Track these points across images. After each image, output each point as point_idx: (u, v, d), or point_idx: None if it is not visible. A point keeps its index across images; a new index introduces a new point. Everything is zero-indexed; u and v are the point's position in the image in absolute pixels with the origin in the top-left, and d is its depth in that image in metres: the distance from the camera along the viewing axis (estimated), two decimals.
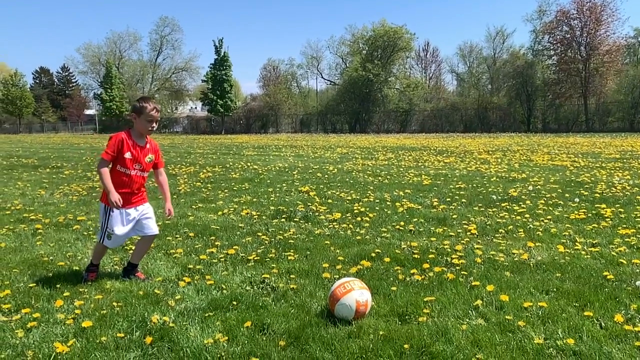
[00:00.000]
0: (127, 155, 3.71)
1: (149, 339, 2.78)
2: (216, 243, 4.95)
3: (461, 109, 50.49)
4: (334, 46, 64.31)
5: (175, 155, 17.58)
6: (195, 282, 3.81)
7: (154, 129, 3.79)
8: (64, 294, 3.51)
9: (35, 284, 3.74)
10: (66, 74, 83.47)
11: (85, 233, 5.42)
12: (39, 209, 6.92)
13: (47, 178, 10.85)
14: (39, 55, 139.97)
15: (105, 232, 3.75)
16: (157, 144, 4.02)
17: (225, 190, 8.65)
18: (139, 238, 4.00)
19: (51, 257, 4.47)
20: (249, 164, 13.87)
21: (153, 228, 3.92)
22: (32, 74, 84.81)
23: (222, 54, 53.86)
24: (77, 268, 4.13)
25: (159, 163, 3.99)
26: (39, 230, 5.55)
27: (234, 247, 4.73)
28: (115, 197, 3.57)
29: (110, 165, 3.70)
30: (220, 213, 6.55)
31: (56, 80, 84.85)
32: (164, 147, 23.15)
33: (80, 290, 3.61)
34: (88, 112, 78.36)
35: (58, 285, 3.71)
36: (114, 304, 3.34)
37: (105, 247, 3.91)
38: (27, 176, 11.29)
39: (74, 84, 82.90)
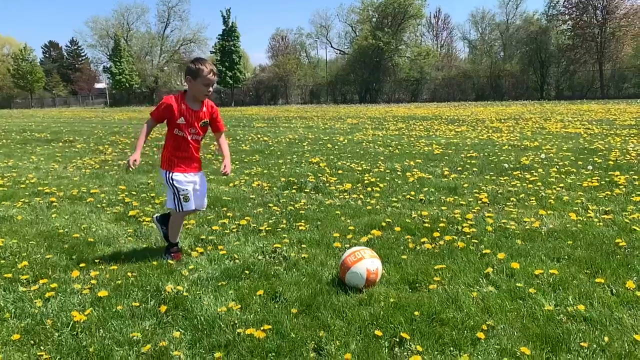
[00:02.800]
0: (180, 120, 3.51)
1: (163, 308, 2.84)
2: (228, 214, 4.99)
3: (473, 77, 49.77)
4: (343, 14, 63.55)
5: None
6: (208, 252, 3.86)
7: (211, 93, 3.57)
8: (80, 265, 3.58)
9: (51, 256, 3.81)
10: (75, 47, 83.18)
11: (99, 205, 5.49)
12: (53, 183, 7.01)
13: (60, 152, 10.95)
14: (48, 29, 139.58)
15: (180, 196, 3.56)
16: (217, 108, 3.76)
17: (236, 162, 8.67)
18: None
19: (66, 229, 4.55)
20: (259, 135, 13.86)
21: (200, 204, 3.76)
22: (41, 48, 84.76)
23: (230, 24, 53.34)
24: (91, 240, 4.19)
25: (219, 126, 3.77)
26: (54, 203, 5.63)
27: (246, 218, 4.76)
28: (133, 157, 3.45)
29: (158, 126, 3.64)
30: (231, 185, 6.58)
31: (65, 54, 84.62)
32: None
33: (96, 261, 3.68)
34: (98, 85, 78.49)
35: (74, 257, 3.78)
36: (129, 274, 3.40)
37: (181, 218, 3.75)
38: (40, 150, 11.40)
39: (84, 57, 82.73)
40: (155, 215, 3.97)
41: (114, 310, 2.85)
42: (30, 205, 5.61)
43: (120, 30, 65.12)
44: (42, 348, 2.49)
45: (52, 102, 71.26)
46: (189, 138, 3.57)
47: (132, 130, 17.15)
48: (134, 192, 6.18)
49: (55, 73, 76.68)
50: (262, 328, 2.58)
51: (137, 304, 2.93)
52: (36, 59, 70.73)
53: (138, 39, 67.73)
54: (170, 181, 3.57)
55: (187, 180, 3.60)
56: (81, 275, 3.42)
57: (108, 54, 64.54)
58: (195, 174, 3.68)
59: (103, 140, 13.61)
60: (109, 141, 13.18)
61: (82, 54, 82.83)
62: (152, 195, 5.97)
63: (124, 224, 4.74)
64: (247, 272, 3.38)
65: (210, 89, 3.53)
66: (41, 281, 3.29)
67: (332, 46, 64.52)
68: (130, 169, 3.51)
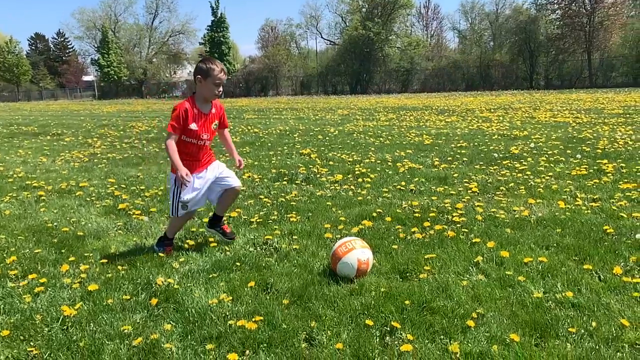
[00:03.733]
0: (193, 126, 3.42)
1: (154, 301, 2.83)
2: None
3: (463, 67, 49.85)
4: (333, 4, 63.19)
5: None
6: (199, 244, 3.85)
7: (221, 93, 3.49)
8: (70, 259, 3.56)
9: (40, 250, 3.78)
10: (62, 39, 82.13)
11: (88, 199, 5.45)
12: (41, 176, 6.94)
13: (47, 145, 10.84)
14: (34, 21, 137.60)
15: (178, 203, 3.54)
16: (222, 105, 3.71)
17: (226, 155, 8.61)
18: (223, 191, 3.73)
19: (55, 223, 4.51)
20: (249, 127, 13.81)
21: (233, 181, 3.67)
22: (28, 40, 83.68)
23: (219, 15, 52.89)
24: (81, 233, 4.16)
25: (225, 123, 3.76)
26: (42, 197, 5.58)
27: (237, 210, 4.75)
28: (183, 171, 3.29)
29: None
30: None
31: (52, 46, 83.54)
32: (164, 113, 23.03)
33: (86, 255, 3.66)
34: (86, 78, 77.61)
35: (63, 251, 3.76)
36: (119, 267, 3.38)
37: (182, 219, 3.73)
38: (27, 144, 11.28)
39: (71, 49, 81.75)
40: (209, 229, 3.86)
41: (104, 304, 2.84)
42: (18, 199, 5.56)
43: (108, 21, 64.31)
44: (31, 343, 2.47)
45: (39, 95, 70.40)
46: (199, 144, 3.51)
47: (120, 122, 17.01)
48: (123, 185, 6.14)
49: (42, 66, 75.72)
50: (253, 319, 2.58)
51: (128, 297, 2.92)
52: (22, 51, 69.80)
53: (126, 30, 66.95)
54: (175, 186, 3.53)
55: (195, 185, 3.53)
56: (71, 269, 3.39)
57: (96, 45, 63.79)
58: (207, 169, 3.62)
59: (92, 133, 13.49)
60: (98, 134, 13.06)
61: (69, 46, 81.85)
62: (141, 188, 5.94)
63: (114, 217, 4.71)
64: (238, 264, 3.38)
65: (221, 88, 3.46)
66: (30, 276, 3.27)
67: (322, 37, 64.34)
68: (188, 183, 3.37)
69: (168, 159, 3.55)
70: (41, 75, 74.31)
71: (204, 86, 3.42)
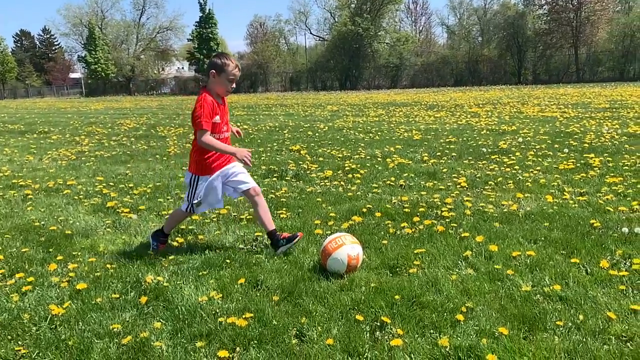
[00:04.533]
0: (217, 119, 3.36)
1: (143, 299, 2.82)
2: None
3: (452, 62, 50.00)
4: (321, 0, 62.83)
5: (164, 117, 17.38)
6: (189, 241, 3.83)
7: (233, 90, 3.45)
8: (58, 258, 3.53)
9: (27, 249, 3.75)
10: (48, 36, 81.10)
11: (76, 197, 5.40)
12: (28, 175, 6.87)
13: (34, 143, 10.72)
14: (19, 18, 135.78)
15: (193, 203, 3.49)
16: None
17: None
18: (253, 209, 3.65)
19: (42, 222, 4.47)
20: (238, 124, 13.75)
21: (247, 182, 3.55)
22: (13, 37, 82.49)
23: (207, 11, 52.57)
24: (69, 232, 4.13)
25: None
26: (29, 196, 5.52)
27: (226, 207, 4.73)
28: (242, 151, 3.32)
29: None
30: None
31: (38, 43, 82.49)
32: (152, 110, 22.88)
33: (74, 253, 3.63)
34: (73, 75, 76.70)
35: (51, 250, 3.72)
36: (108, 266, 3.36)
37: (186, 215, 3.66)
38: (14, 142, 11.14)
39: (57, 46, 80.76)
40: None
41: (93, 302, 2.82)
42: (5, 198, 5.49)
43: (95, 18, 63.53)
44: (19, 343, 2.45)
45: (26, 92, 69.46)
46: (221, 137, 3.44)
47: (108, 120, 16.87)
48: (111, 183, 6.09)
49: (28, 63, 74.68)
50: (243, 316, 2.58)
51: (117, 295, 2.90)
52: (7, 48, 68.82)
53: (113, 27, 66.19)
54: (193, 186, 3.48)
55: (213, 185, 3.48)
56: (59, 268, 3.37)
57: (82, 42, 62.97)
58: (223, 169, 3.52)
59: (79, 131, 13.36)
60: (86, 132, 12.94)
61: (56, 43, 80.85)
62: (130, 185, 5.90)
63: (102, 216, 4.67)
64: (228, 261, 3.37)
65: (234, 85, 3.41)
66: (17, 275, 3.23)
67: (311, 33, 64.19)
68: (250, 162, 3.35)
69: (192, 156, 3.48)
70: (27, 72, 73.32)
71: (218, 82, 3.37)
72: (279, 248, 3.47)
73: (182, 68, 77.10)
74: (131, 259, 3.47)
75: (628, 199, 4.51)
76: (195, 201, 3.50)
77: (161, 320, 2.62)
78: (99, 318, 2.65)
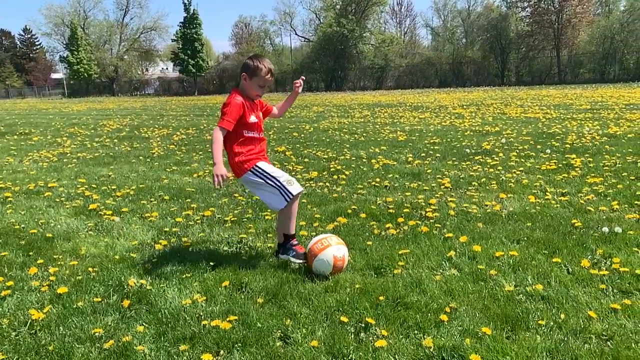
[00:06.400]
0: (252, 119, 3.21)
1: (126, 302, 2.79)
2: (192, 205, 4.92)
3: (436, 64, 50.38)
4: (306, 1, 62.95)
5: (148, 118, 17.23)
6: (172, 244, 3.80)
7: (263, 94, 3.31)
8: (38, 262, 3.47)
9: (7, 253, 3.68)
10: (29, 36, 79.98)
11: (58, 200, 5.32)
12: (8, 177, 6.75)
13: (14, 145, 10.54)
14: None
15: (283, 182, 3.18)
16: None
17: (200, 153, 8.55)
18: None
19: (23, 225, 4.39)
20: None
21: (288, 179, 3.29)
22: None
23: (192, 11, 52.29)
24: (50, 235, 4.06)
25: (269, 108, 3.52)
26: (9, 199, 5.42)
27: (210, 209, 4.71)
28: (221, 171, 3.00)
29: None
30: (195, 175, 6.49)
31: (18, 43, 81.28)
32: (135, 111, 22.66)
33: (55, 257, 3.57)
34: (55, 76, 75.73)
35: (31, 253, 3.66)
36: (90, 269, 3.31)
37: (292, 204, 3.25)
38: None
39: (38, 46, 79.69)
40: (279, 255, 3.38)
41: (74, 306, 2.78)
42: None
43: (77, 18, 62.79)
44: None
45: (6, 93, 68.36)
46: (260, 136, 3.30)
47: (91, 121, 16.67)
48: (94, 185, 6.02)
49: (8, 63, 73.57)
50: (227, 319, 2.56)
51: (99, 299, 2.87)
52: None
53: (96, 27, 65.50)
54: (262, 175, 3.21)
55: (265, 165, 3.24)
56: (39, 272, 3.31)
57: (64, 42, 62.21)
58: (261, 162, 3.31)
59: (61, 132, 13.17)
60: (68, 133, 12.77)
61: (37, 43, 79.76)
62: (113, 187, 5.83)
63: (84, 218, 4.61)
64: (212, 263, 3.35)
65: (265, 89, 3.27)
66: None
67: (296, 34, 64.02)
68: (220, 186, 3.08)
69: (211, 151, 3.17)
70: (7, 73, 72.22)
71: (249, 84, 3.22)
72: (284, 254, 3.33)
73: (166, 69, 76.52)
74: (113, 262, 3.43)
75: (608, 199, 4.58)
76: (283, 180, 3.20)
77: (144, 323, 2.59)
78: (80, 322, 2.61)
